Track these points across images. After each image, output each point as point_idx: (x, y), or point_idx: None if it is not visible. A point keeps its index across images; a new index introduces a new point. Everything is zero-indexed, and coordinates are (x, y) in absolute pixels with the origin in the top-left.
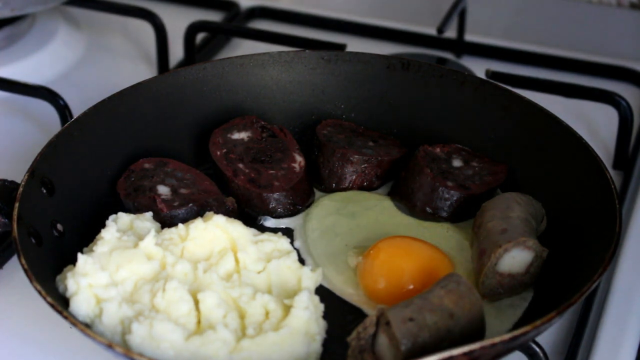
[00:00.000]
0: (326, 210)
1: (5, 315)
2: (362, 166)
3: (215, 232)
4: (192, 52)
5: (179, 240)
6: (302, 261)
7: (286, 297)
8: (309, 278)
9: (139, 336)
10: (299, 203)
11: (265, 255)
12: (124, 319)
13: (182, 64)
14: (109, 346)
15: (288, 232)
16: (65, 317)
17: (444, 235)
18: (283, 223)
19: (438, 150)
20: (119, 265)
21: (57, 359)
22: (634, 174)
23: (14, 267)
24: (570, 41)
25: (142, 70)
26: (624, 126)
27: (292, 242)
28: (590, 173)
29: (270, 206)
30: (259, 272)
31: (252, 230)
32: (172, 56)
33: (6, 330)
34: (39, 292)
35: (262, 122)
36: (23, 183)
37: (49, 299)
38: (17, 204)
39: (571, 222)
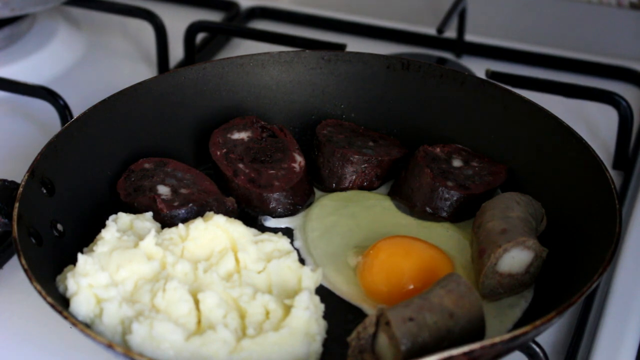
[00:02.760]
0: (326, 210)
1: (5, 315)
2: (362, 166)
3: (215, 232)
4: (192, 52)
5: (179, 240)
6: (302, 261)
7: (286, 297)
8: (309, 278)
9: (139, 336)
10: (299, 203)
11: (266, 255)
12: (124, 319)
13: (182, 64)
14: (109, 346)
15: (288, 232)
16: (65, 317)
17: (444, 235)
18: (283, 223)
19: (438, 150)
20: (119, 265)
21: (57, 359)
22: (634, 174)
23: (14, 267)
24: (570, 41)
25: (142, 70)
26: (624, 126)
27: (292, 242)
28: (590, 173)
29: (270, 206)
30: (259, 272)
31: (252, 230)
32: (172, 56)
33: (6, 330)
34: (39, 292)
35: (262, 122)
36: (23, 183)
37: (49, 299)
38: (17, 204)
39: (571, 222)
